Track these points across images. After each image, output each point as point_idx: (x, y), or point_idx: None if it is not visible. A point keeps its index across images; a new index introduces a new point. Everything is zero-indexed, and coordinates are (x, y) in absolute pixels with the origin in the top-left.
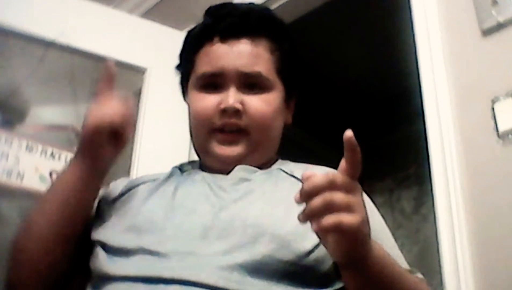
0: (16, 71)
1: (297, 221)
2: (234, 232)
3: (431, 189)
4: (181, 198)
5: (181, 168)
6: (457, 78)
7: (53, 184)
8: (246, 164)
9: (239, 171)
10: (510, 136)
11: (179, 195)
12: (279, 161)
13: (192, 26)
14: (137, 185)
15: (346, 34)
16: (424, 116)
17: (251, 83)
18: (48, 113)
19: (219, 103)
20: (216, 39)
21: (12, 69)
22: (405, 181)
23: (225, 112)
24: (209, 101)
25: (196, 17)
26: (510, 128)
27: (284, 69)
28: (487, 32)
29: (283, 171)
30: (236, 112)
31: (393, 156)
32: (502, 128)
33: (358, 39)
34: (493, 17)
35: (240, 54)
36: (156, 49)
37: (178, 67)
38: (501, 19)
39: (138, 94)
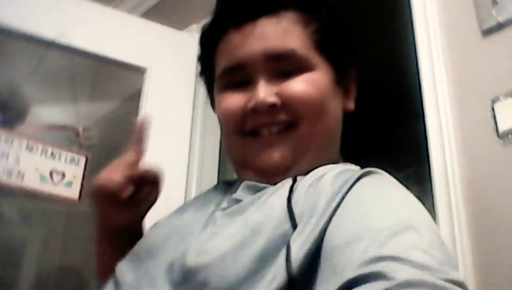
0: (16, 71)
1: (247, 264)
2: (189, 280)
3: (431, 189)
4: (181, 225)
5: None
6: (457, 78)
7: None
8: (295, 172)
9: (241, 190)
10: (510, 136)
11: (184, 221)
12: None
13: (192, 26)
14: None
15: None
16: (424, 116)
17: (284, 68)
18: (48, 113)
19: (248, 101)
20: (231, 29)
21: (12, 69)
22: (405, 181)
23: (256, 111)
24: (235, 100)
25: (196, 17)
26: (510, 128)
27: (326, 43)
28: (487, 32)
29: (291, 183)
30: (272, 108)
31: (393, 156)
32: (502, 128)
33: (357, 40)
34: (493, 17)
35: (263, 35)
36: (156, 49)
37: (201, 74)
38: (501, 19)
39: (138, 94)
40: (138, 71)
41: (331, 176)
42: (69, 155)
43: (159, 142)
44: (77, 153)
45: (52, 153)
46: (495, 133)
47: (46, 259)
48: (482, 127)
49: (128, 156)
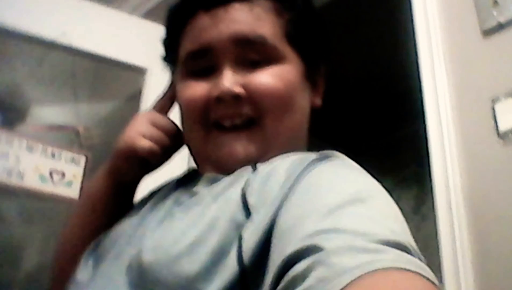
0: (17, 71)
1: (203, 260)
2: (146, 278)
3: (431, 189)
4: (144, 223)
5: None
6: (458, 78)
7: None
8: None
9: (201, 183)
10: (510, 136)
11: (146, 220)
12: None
13: None
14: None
15: (346, 35)
16: (425, 116)
17: (252, 57)
18: (48, 113)
19: (211, 90)
20: (200, 12)
21: (12, 69)
22: (405, 181)
23: (220, 101)
24: (198, 88)
25: None
26: (511, 128)
27: (297, 35)
28: (487, 33)
29: (249, 173)
30: (236, 99)
31: (393, 156)
32: (502, 128)
33: (358, 40)
34: (493, 18)
35: (233, 19)
36: (156, 49)
37: (165, 58)
38: (501, 19)
39: (138, 94)
40: (138, 71)
41: (288, 163)
42: (69, 154)
43: None
44: (77, 152)
45: (52, 153)
46: (495, 133)
47: (46, 259)
48: (482, 127)
49: (157, 107)
